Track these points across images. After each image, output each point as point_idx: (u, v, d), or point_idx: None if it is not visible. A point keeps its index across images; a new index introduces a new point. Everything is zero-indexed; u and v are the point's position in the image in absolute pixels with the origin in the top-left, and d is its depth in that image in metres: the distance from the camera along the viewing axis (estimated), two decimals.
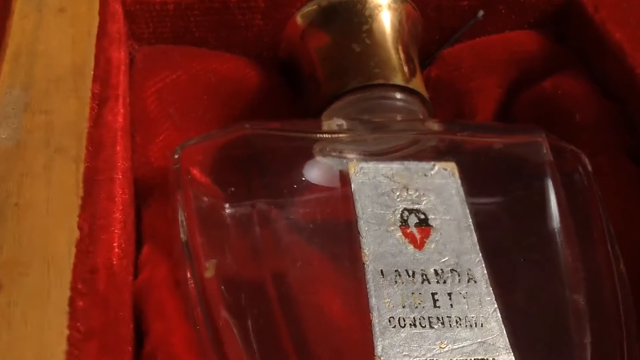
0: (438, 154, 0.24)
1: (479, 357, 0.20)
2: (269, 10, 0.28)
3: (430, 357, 0.20)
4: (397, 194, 0.23)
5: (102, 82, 0.23)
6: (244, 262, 0.23)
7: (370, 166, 0.23)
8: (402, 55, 0.26)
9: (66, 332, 0.16)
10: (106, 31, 0.25)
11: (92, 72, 0.24)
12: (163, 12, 0.28)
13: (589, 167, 0.26)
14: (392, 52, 0.27)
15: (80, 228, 0.18)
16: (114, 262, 0.19)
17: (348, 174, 0.23)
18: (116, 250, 0.19)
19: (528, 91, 0.29)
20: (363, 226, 0.22)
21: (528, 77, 0.30)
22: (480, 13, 0.30)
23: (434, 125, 0.25)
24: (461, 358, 0.20)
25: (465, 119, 0.29)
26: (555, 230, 0.24)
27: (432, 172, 0.23)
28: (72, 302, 0.17)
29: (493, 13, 0.30)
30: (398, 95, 0.26)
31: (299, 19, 0.28)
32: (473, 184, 0.24)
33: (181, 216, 0.23)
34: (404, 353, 0.20)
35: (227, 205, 0.24)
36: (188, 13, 0.28)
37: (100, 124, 0.22)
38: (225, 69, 0.29)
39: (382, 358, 0.19)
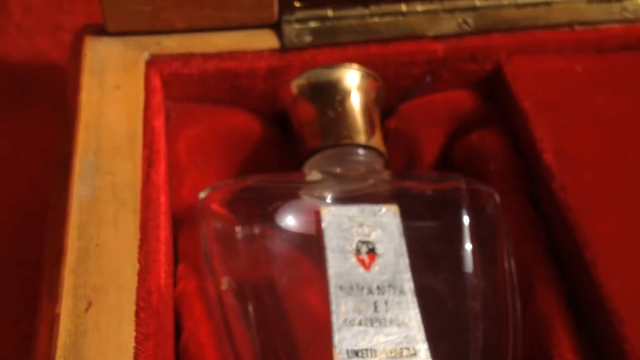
0: (386, 198, 0.33)
1: (404, 346, 0.29)
2: (269, 77, 0.36)
3: (370, 346, 0.28)
4: (354, 229, 0.31)
5: (149, 148, 0.31)
6: (249, 270, 0.32)
7: (336, 209, 0.31)
8: (366, 119, 0.34)
9: (134, 334, 0.25)
10: (149, 104, 0.33)
11: (142, 140, 0.32)
12: (190, 80, 0.36)
13: (499, 202, 0.34)
14: (358, 117, 0.34)
15: (139, 262, 0.27)
16: (162, 284, 0.27)
17: (320, 214, 0.32)
18: (163, 275, 0.27)
19: (461, 141, 0.36)
20: (329, 253, 0.30)
21: (463, 128, 0.37)
22: (428, 78, 0.37)
23: (386, 175, 0.34)
24: (391, 347, 0.29)
25: (415, 161, 0.36)
26: (466, 251, 0.32)
27: (380, 213, 0.32)
28: (137, 314, 0.26)
29: (438, 78, 0.37)
30: (360, 152, 0.34)
31: (290, 87, 0.36)
32: (410, 219, 0.33)
33: (204, 240, 0.32)
34: (352, 344, 0.28)
35: (237, 228, 0.33)
36: (208, 80, 0.36)
37: (149, 182, 0.30)
38: (236, 123, 0.37)
39: (337, 347, 0.28)
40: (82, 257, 0.27)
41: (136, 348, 0.25)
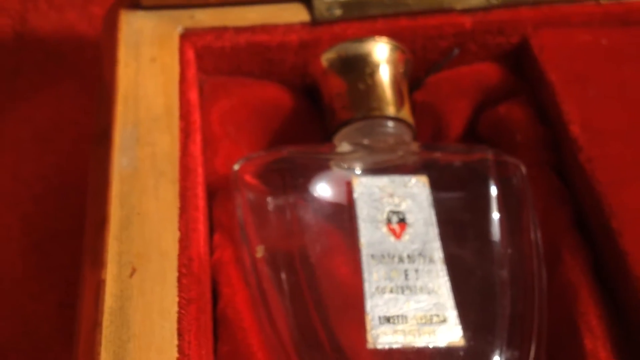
0: (415, 169, 0.33)
1: (433, 313, 0.29)
2: (300, 49, 0.37)
3: (401, 313, 0.29)
4: (385, 200, 0.32)
5: (185, 119, 0.32)
6: (282, 239, 0.32)
7: (367, 180, 0.32)
8: (395, 92, 0.35)
9: (177, 299, 0.26)
10: (185, 77, 0.34)
11: (178, 112, 0.33)
12: (223, 53, 0.36)
13: (525, 174, 0.34)
14: (387, 89, 0.35)
15: (180, 230, 0.28)
16: (201, 252, 0.28)
17: (352, 185, 0.32)
18: (201, 243, 0.28)
19: (487, 113, 0.36)
20: (361, 223, 0.31)
21: (489, 101, 0.37)
22: (456, 51, 0.37)
23: (414, 147, 0.34)
24: (421, 313, 0.29)
25: (442, 133, 0.37)
26: (493, 221, 0.32)
27: (410, 184, 0.32)
28: (179, 280, 0.26)
29: (465, 50, 0.37)
30: (389, 124, 0.34)
31: (321, 60, 0.36)
32: (439, 190, 0.33)
33: (239, 210, 0.32)
34: (384, 310, 0.29)
35: (269, 199, 0.34)
36: (240, 54, 0.36)
37: (186, 153, 0.30)
38: (267, 95, 0.37)
39: (369, 313, 0.29)
40: (124, 225, 0.28)
41: (179, 312, 0.26)
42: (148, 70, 0.34)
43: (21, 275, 0.41)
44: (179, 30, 0.36)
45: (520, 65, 0.37)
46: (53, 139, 0.47)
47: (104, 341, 0.25)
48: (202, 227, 0.29)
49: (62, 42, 0.50)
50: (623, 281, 0.29)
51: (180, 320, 0.25)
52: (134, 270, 0.26)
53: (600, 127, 0.32)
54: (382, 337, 0.28)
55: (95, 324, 0.26)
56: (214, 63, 0.36)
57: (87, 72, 0.49)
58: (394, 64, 0.35)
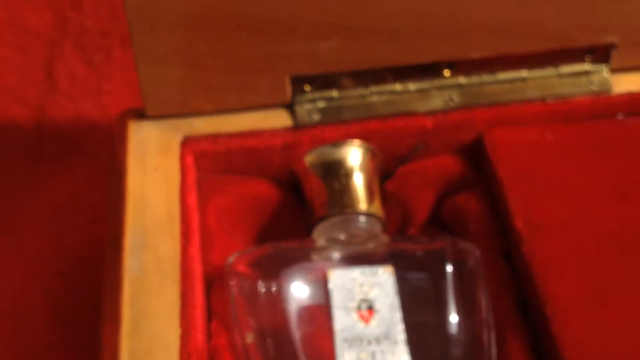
0: (383, 259, 0.38)
1: None
2: (284, 151, 0.42)
3: None
4: (356, 289, 0.37)
5: (185, 223, 0.37)
6: (269, 321, 0.37)
7: (340, 272, 0.37)
8: (366, 189, 0.40)
9: None
10: (184, 182, 0.39)
11: (179, 216, 0.38)
12: (218, 155, 0.42)
13: (479, 258, 0.38)
14: (360, 188, 0.40)
15: (181, 327, 0.33)
16: (199, 346, 0.33)
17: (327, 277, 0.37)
18: (200, 337, 0.33)
19: (448, 202, 0.42)
20: (335, 310, 0.36)
21: (451, 190, 0.42)
22: (420, 147, 0.43)
23: (384, 238, 0.39)
24: None
25: (410, 218, 0.42)
26: (450, 301, 0.37)
27: (378, 274, 0.37)
28: None
29: (429, 146, 0.42)
30: (361, 219, 0.39)
31: (302, 162, 0.42)
32: (403, 274, 0.38)
33: (232, 299, 0.37)
34: None
35: (259, 283, 0.39)
36: (233, 156, 0.42)
37: (187, 255, 0.36)
38: (258, 191, 0.42)
39: None
40: (134, 325, 0.33)
41: None
42: (152, 178, 0.39)
43: (47, 345, 0.47)
44: (179, 138, 0.41)
45: (477, 159, 0.43)
46: (72, 218, 0.52)
47: None
48: (200, 322, 0.34)
49: (78, 129, 0.56)
50: None
51: None
52: None
53: (541, 221, 0.37)
54: None
55: None
56: (211, 164, 0.42)
57: (100, 155, 0.55)
58: (366, 164, 0.40)
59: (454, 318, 0.36)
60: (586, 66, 0.43)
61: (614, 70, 0.43)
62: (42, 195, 0.52)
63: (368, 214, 0.39)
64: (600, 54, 0.42)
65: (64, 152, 0.54)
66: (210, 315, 0.37)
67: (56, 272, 0.49)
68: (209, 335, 0.36)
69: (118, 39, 0.54)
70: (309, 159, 0.41)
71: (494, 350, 0.36)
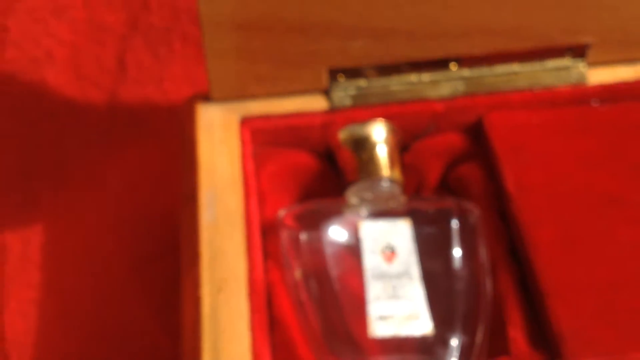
0: (402, 214, 0.44)
1: (412, 313, 0.41)
2: (322, 128, 0.47)
3: (391, 314, 0.41)
4: (381, 237, 0.44)
5: (246, 184, 0.44)
6: (312, 263, 0.44)
7: (368, 223, 0.44)
8: (388, 159, 0.45)
9: (248, 308, 0.39)
10: (244, 153, 0.45)
11: (241, 179, 0.46)
12: (269, 132, 0.47)
13: (479, 215, 0.43)
14: (383, 158, 0.45)
15: (247, 262, 0.40)
16: (260, 275, 0.40)
17: (358, 227, 0.45)
18: (260, 269, 0.40)
19: (455, 171, 0.47)
20: (364, 253, 0.43)
21: (456, 162, 0.47)
22: (433, 126, 0.49)
23: (402, 199, 0.46)
24: (404, 314, 0.41)
25: (423, 184, 0.47)
26: (455, 247, 0.43)
27: (398, 225, 0.44)
28: (249, 295, 0.39)
29: (439, 126, 0.48)
30: (384, 183, 0.44)
31: (337, 137, 0.48)
32: (418, 227, 0.45)
33: (283, 243, 0.45)
34: (379, 312, 0.41)
35: (302, 234, 0.45)
36: (281, 132, 0.46)
37: (248, 209, 0.43)
38: (301, 161, 0.47)
39: (371, 314, 0.41)
40: (212, 259, 0.41)
41: (250, 317, 0.39)
42: (219, 149, 0.45)
43: (127, 291, 0.53)
44: (238, 117, 0.46)
45: (478, 137, 0.47)
46: (141, 185, 0.58)
47: (203, 334, 0.38)
48: (259, 258, 0.42)
49: (143, 109, 0.61)
50: (537, 290, 0.41)
51: (250, 321, 0.38)
52: (220, 289, 0.40)
53: (527, 185, 0.44)
54: (378, 330, 0.41)
55: (196, 324, 0.39)
56: (264, 138, 0.47)
57: (162, 133, 0.59)
58: (388, 139, 0.46)
59: (458, 261, 0.43)
60: (566, 61, 0.47)
61: (590, 65, 0.47)
62: (116, 165, 0.57)
63: (390, 179, 0.44)
64: (578, 51, 0.47)
65: (133, 129, 0.58)
66: (266, 256, 0.44)
67: (131, 229, 0.54)
68: (266, 271, 0.44)
69: (179, 35, 0.58)
70: (342, 135, 0.46)
71: (489, 285, 0.42)
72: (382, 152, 0.46)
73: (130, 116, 0.59)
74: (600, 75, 0.48)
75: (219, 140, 0.46)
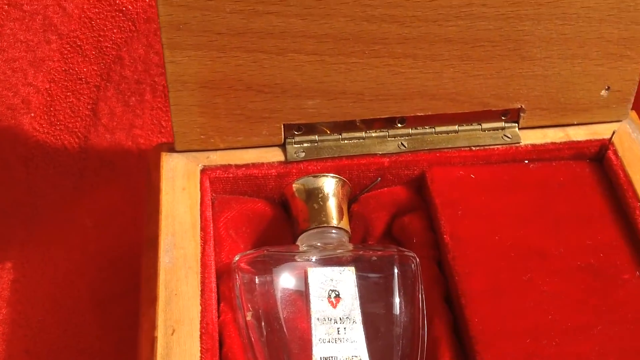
0: (348, 262, 0.45)
1: (354, 355, 0.42)
2: (277, 179, 0.49)
3: (334, 355, 0.42)
4: (327, 283, 0.45)
5: (204, 231, 0.44)
6: (263, 306, 0.45)
7: (317, 270, 0.45)
8: (337, 209, 0.46)
9: (199, 348, 0.39)
10: (203, 200, 0.45)
11: (199, 226, 0.46)
12: (227, 181, 0.48)
13: (418, 263, 0.44)
14: (332, 208, 0.47)
15: (200, 305, 0.41)
16: (213, 318, 0.40)
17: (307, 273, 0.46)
18: (213, 312, 0.41)
19: (398, 221, 0.48)
20: (312, 298, 0.44)
21: (400, 212, 0.48)
22: (378, 179, 0.50)
23: (349, 246, 0.47)
24: (346, 355, 0.42)
25: (369, 233, 0.49)
26: (395, 294, 0.43)
27: (343, 272, 0.45)
28: (200, 337, 0.39)
29: (385, 179, 0.50)
30: (333, 231, 0.46)
31: (290, 187, 0.49)
32: (362, 274, 0.46)
33: (236, 286, 0.45)
34: (324, 353, 0.42)
35: (256, 278, 0.46)
36: (239, 181, 0.48)
37: (204, 254, 0.43)
38: (257, 208, 0.47)
39: (315, 355, 0.42)
40: (168, 301, 0.41)
41: (201, 357, 0.39)
42: (180, 196, 0.46)
43: (89, 326, 0.53)
44: (199, 167, 0.47)
45: (421, 190, 0.49)
46: (109, 225, 0.59)
47: None
48: (213, 301, 0.42)
49: (114, 154, 0.62)
50: (467, 336, 0.42)
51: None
52: (174, 331, 0.40)
53: (462, 237, 0.45)
54: None
55: None
56: (222, 187, 0.48)
57: (131, 177, 0.61)
58: (337, 190, 0.47)
59: (397, 306, 0.44)
60: (502, 124, 0.49)
61: (522, 127, 0.49)
62: (85, 207, 0.58)
63: (338, 228, 0.46)
64: (512, 115, 0.48)
65: (103, 172, 0.60)
66: (219, 298, 0.45)
67: (97, 268, 0.55)
68: (219, 313, 0.44)
69: (149, 86, 0.59)
70: (296, 185, 0.47)
71: (425, 329, 0.44)
72: (331, 203, 0.47)
73: (101, 161, 0.60)
74: (531, 136, 0.49)
75: (180, 188, 0.46)
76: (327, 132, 0.49)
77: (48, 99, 0.57)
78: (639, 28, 0.45)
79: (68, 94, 0.58)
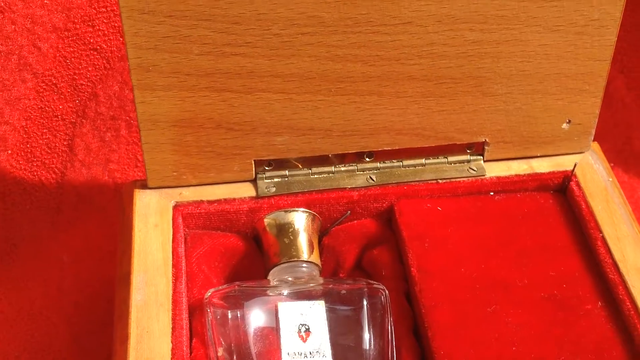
0: (318, 295, 0.46)
1: None
2: (249, 213, 0.50)
3: None
4: (298, 317, 0.45)
5: (176, 267, 0.44)
6: (235, 340, 0.45)
7: (287, 305, 0.45)
8: (308, 243, 0.46)
9: None
10: (175, 236, 0.46)
11: (171, 262, 0.47)
12: (200, 216, 0.49)
13: (387, 295, 0.44)
14: (303, 242, 0.47)
15: (172, 342, 0.41)
16: (185, 355, 0.41)
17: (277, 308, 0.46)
18: (185, 349, 0.42)
19: (368, 253, 0.49)
20: (282, 332, 0.44)
21: (370, 245, 0.49)
22: (348, 212, 0.51)
23: (319, 280, 0.48)
24: None
25: (340, 265, 0.49)
26: (365, 327, 0.44)
27: (313, 306, 0.46)
28: None
29: (355, 212, 0.51)
30: (303, 265, 0.46)
31: (262, 222, 0.50)
32: (332, 307, 0.46)
33: (208, 323, 0.45)
34: None
35: (228, 312, 0.47)
36: (211, 216, 0.49)
37: (176, 291, 0.43)
38: (229, 243, 0.48)
39: None
40: (138, 340, 0.41)
41: None
42: (153, 233, 0.46)
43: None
44: (172, 203, 0.47)
45: (389, 222, 0.50)
46: (85, 259, 0.59)
47: None
48: (185, 339, 0.42)
49: (90, 188, 0.62)
50: None
51: None
52: None
53: (429, 269, 0.46)
54: None
55: None
56: (195, 222, 0.48)
57: (107, 211, 0.61)
58: (308, 225, 0.48)
59: (367, 339, 0.44)
60: (467, 157, 0.49)
61: (487, 160, 0.50)
62: (62, 241, 0.58)
63: (308, 262, 0.46)
64: (477, 148, 0.49)
65: (80, 207, 0.60)
66: (191, 334, 0.45)
67: (74, 303, 0.55)
68: (191, 349, 0.45)
69: (125, 122, 0.59)
70: (267, 220, 0.47)
71: None
72: (302, 238, 0.47)
73: (78, 196, 0.60)
74: (496, 169, 0.50)
75: (153, 225, 0.47)
76: (298, 166, 0.49)
77: (24, 136, 0.58)
78: (597, 64, 0.47)
79: (44, 130, 0.58)
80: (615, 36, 0.45)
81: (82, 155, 0.60)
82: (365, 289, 0.45)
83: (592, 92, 0.48)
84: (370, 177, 0.50)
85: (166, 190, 0.48)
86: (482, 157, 0.50)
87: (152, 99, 0.45)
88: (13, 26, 0.53)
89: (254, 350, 0.43)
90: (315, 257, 0.47)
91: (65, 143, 0.59)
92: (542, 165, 0.50)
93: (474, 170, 0.50)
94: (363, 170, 0.50)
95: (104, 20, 0.54)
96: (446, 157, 0.50)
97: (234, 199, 0.48)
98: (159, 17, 0.41)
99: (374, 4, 0.42)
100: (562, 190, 0.50)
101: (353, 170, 0.50)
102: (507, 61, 0.46)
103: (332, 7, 0.42)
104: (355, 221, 0.50)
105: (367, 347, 0.44)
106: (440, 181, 0.50)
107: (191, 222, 0.48)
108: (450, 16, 0.43)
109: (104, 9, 0.54)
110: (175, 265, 0.45)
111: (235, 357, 0.43)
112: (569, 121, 0.49)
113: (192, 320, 0.45)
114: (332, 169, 0.50)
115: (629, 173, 0.64)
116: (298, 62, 0.44)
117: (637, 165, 0.65)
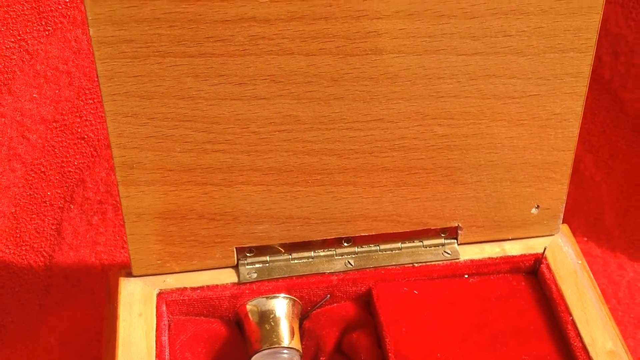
0: None
1: None
2: (232, 299, 0.50)
3: None
4: None
5: (159, 356, 0.46)
6: None
7: None
8: (289, 329, 0.48)
9: None
10: (159, 325, 0.47)
11: (155, 351, 0.47)
12: (183, 303, 0.49)
13: None
14: (284, 328, 0.48)
15: None
16: None
17: None
18: None
19: (347, 337, 0.49)
20: None
21: (350, 328, 0.49)
22: (328, 296, 0.51)
23: None
24: None
25: (320, 349, 0.49)
26: None
27: None
28: None
29: (334, 296, 0.51)
30: (285, 351, 0.48)
31: (243, 308, 0.51)
32: None
33: None
34: None
35: None
36: (194, 304, 0.50)
37: None
38: (211, 328, 0.48)
39: None
40: None
41: None
42: (137, 322, 0.47)
43: None
44: (156, 291, 0.48)
45: (369, 305, 0.50)
46: (73, 343, 0.60)
47: None
48: None
49: (78, 271, 0.63)
50: None
51: None
52: None
53: (406, 355, 0.46)
54: None
55: None
56: (179, 309, 0.49)
57: (95, 291, 0.63)
58: (288, 310, 0.49)
59: None
60: (442, 240, 0.51)
61: (461, 243, 0.51)
62: (50, 324, 0.59)
63: (289, 348, 0.47)
64: (451, 232, 0.51)
65: (68, 289, 0.61)
66: None
67: None
68: None
69: (111, 205, 0.61)
70: (249, 307, 0.48)
71: None
72: (283, 324, 0.48)
73: (66, 277, 0.61)
74: (470, 252, 0.51)
75: (137, 314, 0.48)
76: (281, 250, 0.50)
77: (13, 222, 0.59)
78: (561, 153, 0.48)
79: (33, 216, 0.59)
80: (577, 128, 0.47)
81: (70, 239, 0.61)
82: None
83: (558, 180, 0.50)
84: (349, 262, 0.51)
85: (150, 278, 0.49)
86: (456, 241, 0.51)
87: (136, 193, 0.46)
88: (2, 119, 0.54)
89: None
90: (296, 343, 0.48)
91: (53, 227, 0.60)
92: (513, 248, 0.52)
93: (449, 254, 0.51)
94: (342, 254, 0.51)
95: (91, 111, 0.56)
96: (421, 241, 0.51)
97: (217, 285, 0.49)
98: (142, 119, 0.43)
99: (346, 104, 0.44)
100: (534, 272, 0.52)
101: (332, 255, 0.51)
102: (476, 152, 0.47)
103: (307, 107, 0.44)
104: (335, 304, 0.51)
105: None
106: (416, 264, 0.51)
107: (175, 308, 0.49)
108: (419, 113, 0.45)
109: (91, 100, 0.56)
110: (159, 355, 0.46)
111: None
112: (538, 206, 0.51)
113: None
114: (312, 254, 0.51)
115: (601, 247, 0.66)
116: (276, 156, 0.46)
117: (609, 240, 0.66)
